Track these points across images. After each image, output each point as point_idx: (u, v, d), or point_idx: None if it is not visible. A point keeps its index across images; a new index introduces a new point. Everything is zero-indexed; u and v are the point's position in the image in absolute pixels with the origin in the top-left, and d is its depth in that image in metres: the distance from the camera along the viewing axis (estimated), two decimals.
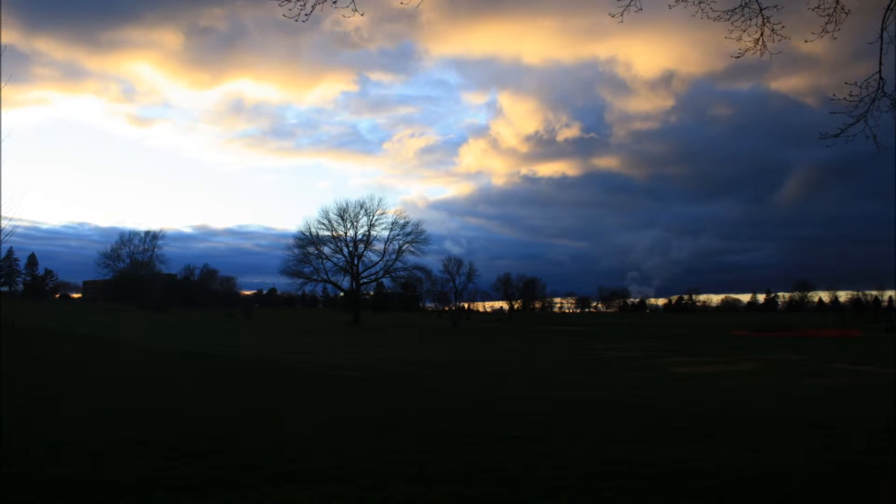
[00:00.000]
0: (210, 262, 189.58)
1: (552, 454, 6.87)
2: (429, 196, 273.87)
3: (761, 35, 6.23)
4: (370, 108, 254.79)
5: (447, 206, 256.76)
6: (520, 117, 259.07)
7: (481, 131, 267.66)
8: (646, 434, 8.42)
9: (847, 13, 5.88)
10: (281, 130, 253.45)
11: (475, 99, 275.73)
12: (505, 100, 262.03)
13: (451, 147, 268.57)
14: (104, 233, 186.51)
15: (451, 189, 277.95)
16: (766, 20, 6.15)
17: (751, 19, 6.20)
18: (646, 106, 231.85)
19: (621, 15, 6.29)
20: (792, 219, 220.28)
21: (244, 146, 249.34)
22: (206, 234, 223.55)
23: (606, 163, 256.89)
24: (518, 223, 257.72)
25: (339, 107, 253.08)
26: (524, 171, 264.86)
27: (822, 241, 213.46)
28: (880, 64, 5.98)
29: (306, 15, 5.95)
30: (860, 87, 6.03)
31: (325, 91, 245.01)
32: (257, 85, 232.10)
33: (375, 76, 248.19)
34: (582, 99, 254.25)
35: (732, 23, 6.22)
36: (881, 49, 5.92)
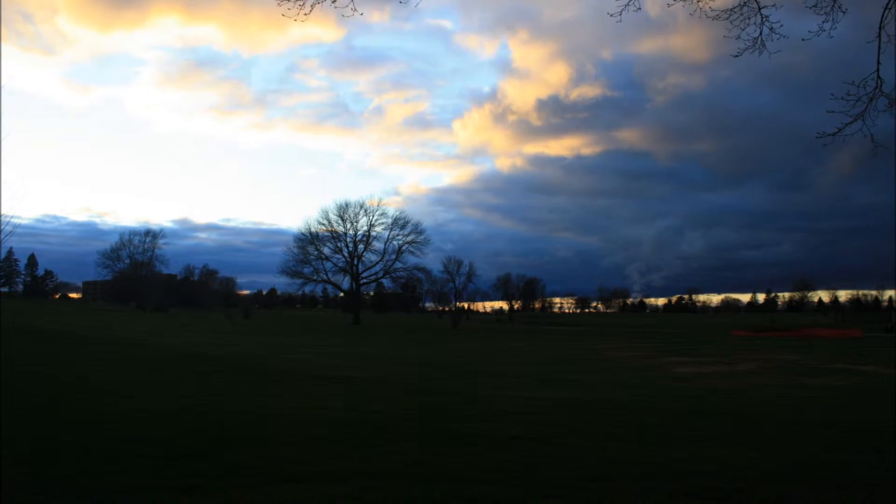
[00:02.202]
0: (199, 261, 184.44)
1: (552, 454, 6.87)
2: (422, 184, 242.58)
3: (760, 34, 6.23)
4: (353, 66, 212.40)
5: (442, 196, 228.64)
6: (533, 67, 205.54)
7: (485, 98, 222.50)
8: (646, 434, 8.42)
9: (844, 12, 5.88)
10: (249, 98, 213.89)
11: (479, 48, 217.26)
12: (517, 46, 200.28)
13: (448, 120, 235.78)
14: (82, 229, 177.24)
15: (448, 174, 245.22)
16: (764, 19, 6.15)
17: (749, 18, 6.19)
18: (695, 52, 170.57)
19: (619, 15, 6.29)
20: (826, 207, 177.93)
21: (209, 120, 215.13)
22: (188, 229, 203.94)
23: (629, 136, 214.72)
24: (520, 215, 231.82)
25: (317, 64, 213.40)
26: (532, 149, 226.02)
27: (853, 234, 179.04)
28: (878, 63, 5.98)
29: (305, 14, 5.95)
30: (858, 85, 6.03)
31: (296, 38, 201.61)
32: (199, 29, 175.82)
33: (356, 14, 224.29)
34: (613, 44, 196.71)
35: (731, 21, 6.22)
36: (879, 48, 5.92)
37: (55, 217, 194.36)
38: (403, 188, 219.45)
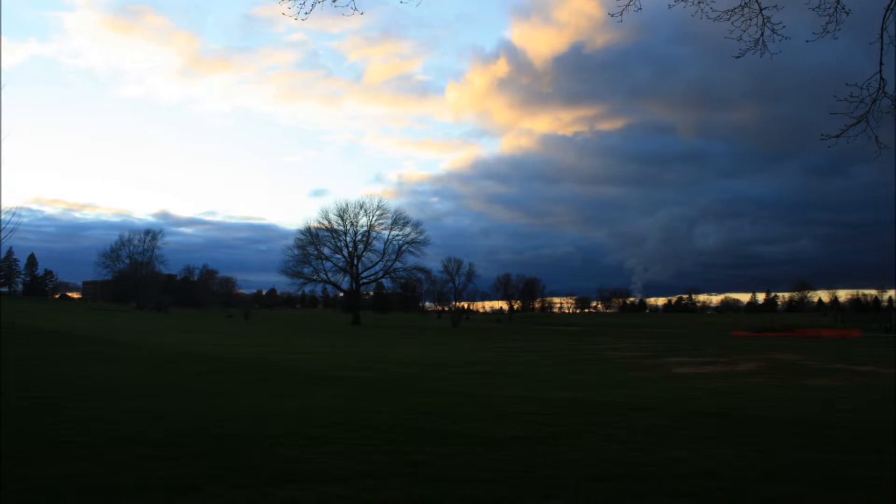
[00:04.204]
0: (187, 259, 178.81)
1: (552, 454, 6.87)
2: (417, 170, 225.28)
3: (761, 35, 6.22)
4: (333, 11, 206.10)
5: (439, 185, 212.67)
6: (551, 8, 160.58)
7: (489, 57, 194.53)
8: (646, 434, 8.41)
9: (847, 13, 5.88)
10: (209, 58, 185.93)
11: None
12: None
13: (443, 88, 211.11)
14: (62, 225, 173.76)
15: (445, 159, 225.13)
16: (766, 20, 6.15)
17: (751, 19, 6.19)
18: None
19: (620, 15, 6.29)
20: (861, 196, 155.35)
21: (167, 86, 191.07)
22: (170, 223, 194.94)
23: (653, 106, 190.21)
24: (523, 206, 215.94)
25: (288, 8, 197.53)
26: (543, 123, 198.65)
27: (885, 227, 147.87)
28: (881, 64, 5.98)
29: (305, 13, 5.96)
30: (860, 87, 6.03)
31: None
32: None
33: None
34: None
35: (732, 23, 6.22)
36: (881, 49, 5.92)
37: (30, 211, 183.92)
38: (396, 175, 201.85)
